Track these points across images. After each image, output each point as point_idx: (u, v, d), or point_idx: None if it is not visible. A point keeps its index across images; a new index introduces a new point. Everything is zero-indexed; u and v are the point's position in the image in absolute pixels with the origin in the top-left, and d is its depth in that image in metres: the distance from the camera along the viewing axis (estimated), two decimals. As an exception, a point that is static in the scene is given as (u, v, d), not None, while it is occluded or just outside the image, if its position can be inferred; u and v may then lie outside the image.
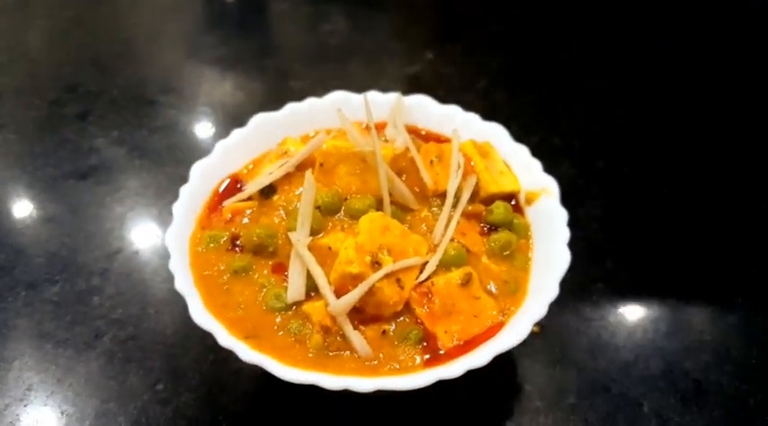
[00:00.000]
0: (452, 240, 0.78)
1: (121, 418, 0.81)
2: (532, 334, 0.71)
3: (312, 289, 0.74)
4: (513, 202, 0.85)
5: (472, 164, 0.85)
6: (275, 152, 0.88)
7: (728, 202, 1.09)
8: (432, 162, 0.83)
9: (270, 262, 0.77)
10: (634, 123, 1.25)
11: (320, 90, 0.97)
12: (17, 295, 0.93)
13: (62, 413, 0.82)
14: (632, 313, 0.93)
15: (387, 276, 0.71)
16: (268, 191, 0.83)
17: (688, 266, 0.99)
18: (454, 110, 0.94)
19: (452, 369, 0.67)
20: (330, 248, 0.74)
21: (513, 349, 0.69)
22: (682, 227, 1.05)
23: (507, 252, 0.80)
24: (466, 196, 0.81)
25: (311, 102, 0.94)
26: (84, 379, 0.85)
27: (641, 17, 1.53)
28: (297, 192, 0.81)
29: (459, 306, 0.73)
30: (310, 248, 0.73)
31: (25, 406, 0.82)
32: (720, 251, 1.02)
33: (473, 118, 0.93)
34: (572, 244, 0.78)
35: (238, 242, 0.79)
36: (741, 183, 1.13)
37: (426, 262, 0.75)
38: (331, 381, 0.66)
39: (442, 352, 0.71)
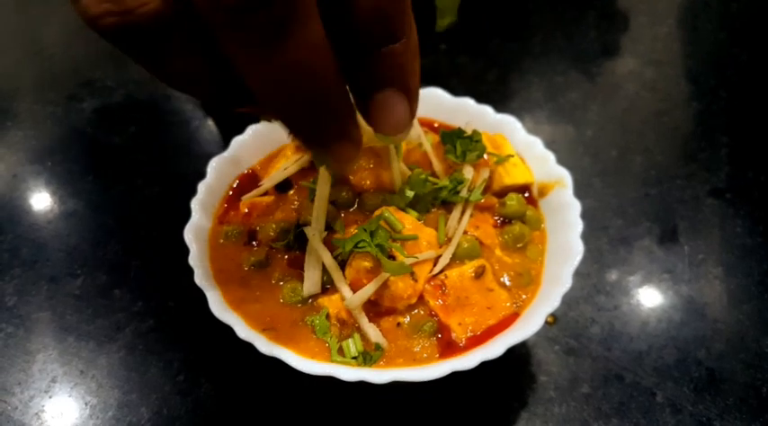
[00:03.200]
0: (465, 233, 0.79)
1: (143, 409, 0.83)
2: (546, 324, 0.72)
3: (328, 283, 0.75)
4: (526, 194, 0.86)
5: (485, 156, 0.85)
6: (290, 147, 0.89)
7: (742, 189, 1.09)
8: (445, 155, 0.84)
9: (286, 257, 0.78)
10: (648, 112, 1.25)
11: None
12: (40, 289, 0.95)
13: (86, 404, 0.84)
14: (645, 302, 0.94)
15: (401, 269, 0.72)
16: (284, 186, 0.84)
17: (701, 255, 1.00)
18: (467, 103, 0.95)
19: (467, 361, 0.68)
20: (345, 242, 0.75)
21: (527, 339, 0.70)
22: (695, 215, 1.05)
23: (520, 245, 0.81)
24: (479, 188, 0.82)
25: (325, 96, 0.94)
26: (107, 371, 0.87)
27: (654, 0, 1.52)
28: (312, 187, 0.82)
29: (472, 299, 0.74)
30: (325, 242, 0.75)
31: (50, 398, 0.84)
32: (733, 240, 1.02)
33: (486, 110, 0.94)
34: (585, 234, 0.79)
35: (255, 236, 0.81)
36: (746, 182, 1.12)
37: (440, 255, 0.76)
38: (347, 373, 0.68)
39: (457, 344, 0.72)
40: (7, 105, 1.27)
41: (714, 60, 1.38)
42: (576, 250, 0.77)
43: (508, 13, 1.49)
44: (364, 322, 0.72)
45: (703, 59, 1.38)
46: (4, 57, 1.39)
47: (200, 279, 0.74)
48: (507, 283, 0.78)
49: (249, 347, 0.70)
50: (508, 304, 0.75)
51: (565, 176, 0.85)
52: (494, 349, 0.69)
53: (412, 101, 0.56)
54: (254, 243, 0.81)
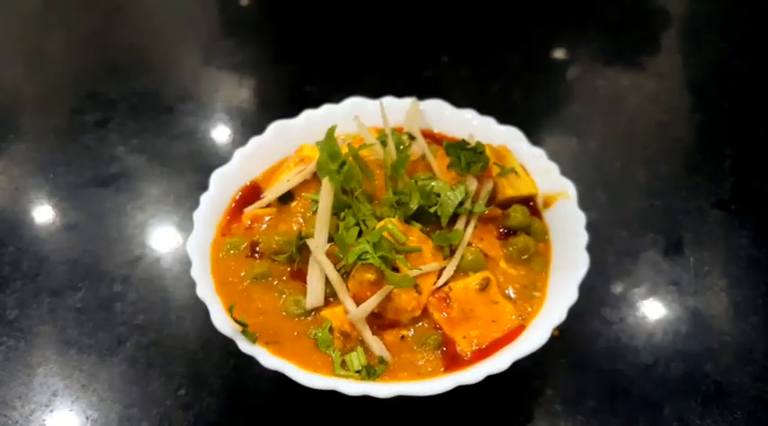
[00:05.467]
0: (470, 245, 0.78)
1: (145, 423, 0.82)
2: (552, 337, 0.71)
3: (331, 295, 0.74)
4: (530, 205, 0.86)
5: (488, 167, 0.85)
6: (293, 159, 0.89)
7: (747, 199, 1.08)
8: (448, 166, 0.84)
9: (288, 269, 0.78)
10: (651, 122, 1.24)
11: (336, 94, 0.98)
12: (41, 302, 0.95)
13: (87, 418, 0.83)
14: (651, 315, 0.93)
15: (405, 281, 0.71)
16: (286, 198, 0.84)
17: (707, 266, 0.99)
18: (470, 115, 0.94)
19: (472, 375, 0.67)
20: (348, 254, 0.75)
21: (533, 352, 0.70)
22: (700, 227, 1.04)
23: (525, 257, 0.80)
24: (483, 200, 0.82)
25: (327, 108, 0.94)
26: (108, 385, 0.86)
27: (655, 13, 1.52)
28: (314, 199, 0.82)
29: (477, 311, 0.73)
30: (328, 254, 0.74)
31: (51, 412, 0.84)
32: (739, 251, 1.01)
33: (489, 121, 0.93)
34: (590, 246, 0.78)
35: (258, 248, 0.80)
36: (750, 193, 1.12)
37: (444, 268, 0.75)
38: (350, 387, 0.67)
39: (462, 358, 0.71)
40: (10, 118, 1.27)
41: (716, 71, 1.37)
42: (582, 262, 0.76)
43: (510, 25, 1.49)
44: (368, 335, 0.71)
45: (705, 71, 1.38)
46: (8, 71, 1.39)
47: (203, 291, 0.74)
48: (512, 295, 0.77)
49: (251, 360, 0.70)
50: (513, 316, 0.74)
51: (569, 187, 0.85)
52: (499, 362, 0.68)
53: None
54: (256, 255, 0.80)
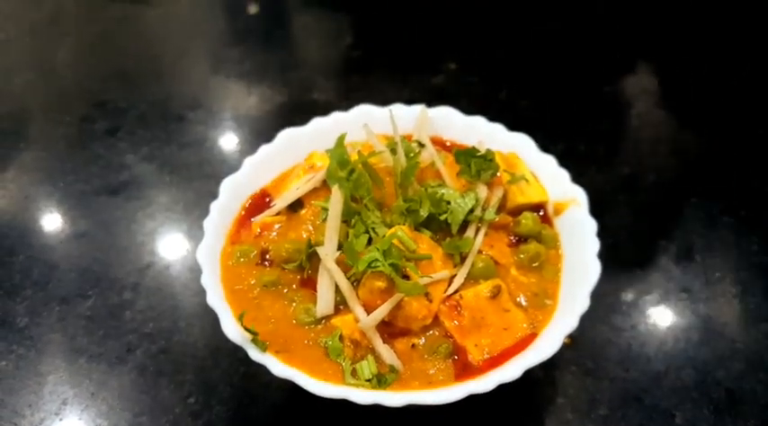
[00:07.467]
0: (480, 252, 0.78)
1: (154, 431, 0.82)
2: (563, 345, 0.70)
3: (341, 303, 0.74)
4: (540, 213, 0.85)
5: (498, 175, 0.85)
6: (302, 166, 0.89)
7: (758, 206, 1.08)
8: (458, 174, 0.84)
9: (298, 277, 0.78)
10: (659, 128, 1.24)
11: (344, 102, 0.98)
12: (51, 310, 0.95)
13: (96, 427, 0.83)
14: (663, 322, 0.92)
15: (415, 289, 0.71)
16: (296, 206, 0.84)
17: (718, 273, 0.98)
18: (479, 122, 0.94)
19: (484, 383, 0.67)
20: (358, 262, 0.75)
21: (544, 360, 0.69)
22: (710, 233, 1.04)
23: (536, 264, 0.80)
24: (493, 207, 0.81)
25: (336, 116, 0.94)
26: (118, 393, 0.86)
27: (659, 18, 1.51)
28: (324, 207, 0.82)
29: (488, 319, 0.73)
30: (338, 262, 0.74)
31: (61, 420, 0.84)
32: (750, 258, 1.00)
33: (498, 128, 0.93)
34: (601, 253, 0.78)
35: (267, 256, 0.80)
36: (760, 183, 1.11)
37: (454, 275, 0.75)
38: (360, 396, 0.66)
39: (473, 366, 0.71)
40: (20, 126, 1.28)
41: (717, 74, 1.37)
42: (593, 269, 0.76)
43: (518, 32, 1.49)
44: (378, 343, 0.71)
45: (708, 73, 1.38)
46: (18, 79, 1.40)
47: (213, 299, 0.74)
48: (523, 303, 0.77)
49: (261, 368, 0.70)
50: (525, 325, 0.74)
51: (580, 194, 0.84)
52: (511, 371, 0.67)
53: None
54: (266, 263, 0.80)
